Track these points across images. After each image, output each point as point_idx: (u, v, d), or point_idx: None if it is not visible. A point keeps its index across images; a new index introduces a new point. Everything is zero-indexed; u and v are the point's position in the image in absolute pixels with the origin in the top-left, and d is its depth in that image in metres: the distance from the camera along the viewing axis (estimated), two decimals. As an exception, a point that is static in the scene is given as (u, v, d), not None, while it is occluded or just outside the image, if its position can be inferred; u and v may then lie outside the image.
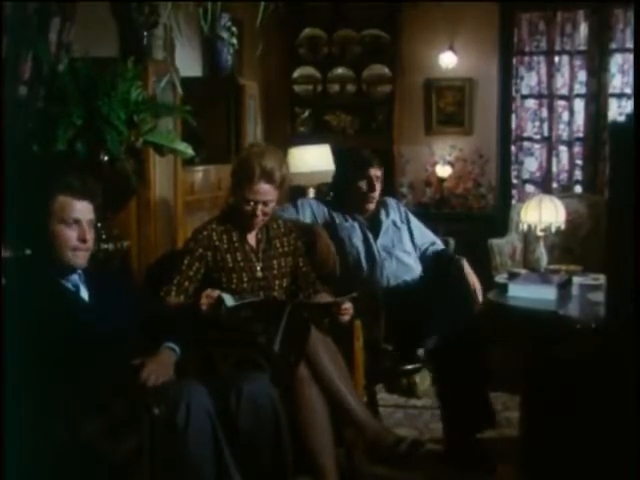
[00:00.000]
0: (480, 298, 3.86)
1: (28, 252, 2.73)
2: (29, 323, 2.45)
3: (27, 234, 2.70)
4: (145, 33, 3.84)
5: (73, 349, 2.52)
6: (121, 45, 3.82)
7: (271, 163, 3.20)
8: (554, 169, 6.63)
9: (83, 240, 2.64)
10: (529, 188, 6.74)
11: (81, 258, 2.66)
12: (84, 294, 2.69)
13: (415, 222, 4.13)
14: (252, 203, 3.20)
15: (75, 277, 2.69)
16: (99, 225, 2.94)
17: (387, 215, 4.04)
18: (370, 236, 3.92)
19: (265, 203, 3.21)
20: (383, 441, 2.93)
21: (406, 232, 4.04)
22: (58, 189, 2.63)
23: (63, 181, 2.65)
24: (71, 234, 2.63)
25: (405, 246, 3.99)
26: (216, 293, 3.01)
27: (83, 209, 2.66)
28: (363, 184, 3.93)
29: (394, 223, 4.03)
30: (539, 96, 6.62)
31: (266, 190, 3.20)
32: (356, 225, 3.94)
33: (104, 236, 3.27)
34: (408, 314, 3.62)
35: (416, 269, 3.93)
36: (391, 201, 4.18)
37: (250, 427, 2.63)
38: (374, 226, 3.98)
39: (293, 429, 2.81)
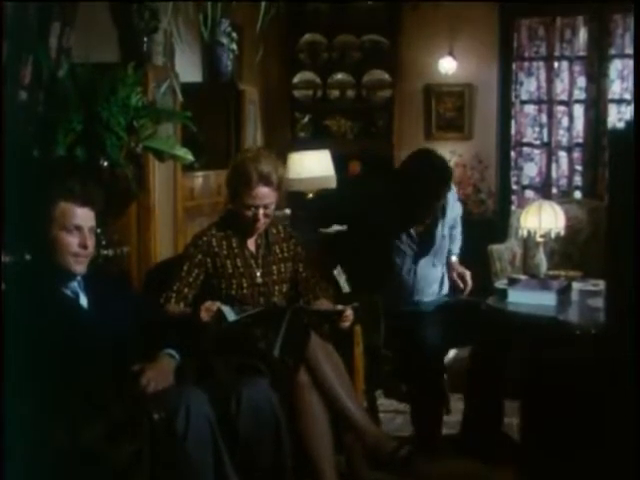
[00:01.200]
0: (468, 291, 3.94)
1: (28, 258, 2.73)
2: (29, 328, 2.45)
3: (27, 240, 2.69)
4: (145, 38, 3.84)
5: (73, 355, 2.52)
6: (121, 50, 3.82)
7: (267, 166, 3.19)
8: (554, 175, 6.63)
9: (84, 246, 2.64)
10: (529, 194, 6.74)
11: (81, 264, 2.66)
12: (83, 301, 2.69)
13: (458, 220, 4.06)
14: (253, 208, 3.19)
15: (74, 284, 2.68)
16: (99, 231, 2.94)
17: (443, 225, 3.87)
18: (413, 253, 3.80)
19: (265, 206, 3.21)
20: (383, 447, 2.93)
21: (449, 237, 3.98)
22: (59, 195, 2.63)
23: (64, 187, 2.64)
24: (72, 240, 2.62)
25: (443, 257, 3.94)
26: (215, 306, 3.00)
27: (84, 216, 2.66)
28: (431, 211, 3.74)
29: (443, 236, 3.90)
30: (538, 102, 6.63)
31: (265, 193, 3.19)
32: (403, 237, 3.80)
33: (104, 242, 3.26)
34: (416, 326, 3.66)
35: (441, 290, 3.95)
36: (452, 197, 3.93)
37: (250, 432, 2.63)
38: (425, 241, 3.84)
39: (293, 434, 2.81)
